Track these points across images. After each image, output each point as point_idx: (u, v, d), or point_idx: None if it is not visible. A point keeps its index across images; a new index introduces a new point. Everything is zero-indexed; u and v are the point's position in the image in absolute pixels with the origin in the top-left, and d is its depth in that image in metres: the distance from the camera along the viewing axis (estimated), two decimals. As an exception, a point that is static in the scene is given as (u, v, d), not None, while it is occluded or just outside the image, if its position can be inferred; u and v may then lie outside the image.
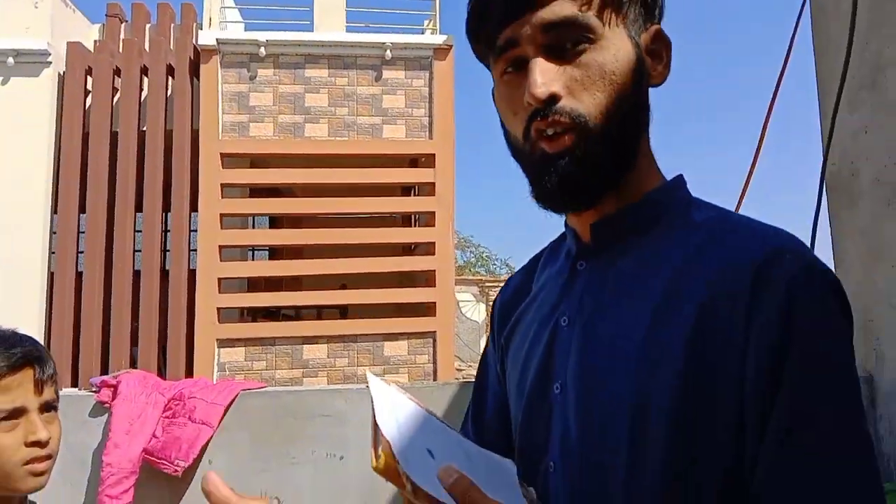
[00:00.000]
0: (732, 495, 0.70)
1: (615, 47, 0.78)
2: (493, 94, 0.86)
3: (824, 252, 3.54)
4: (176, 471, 2.91)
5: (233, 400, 3.05)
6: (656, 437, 0.72)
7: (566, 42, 0.76)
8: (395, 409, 0.72)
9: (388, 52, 9.19)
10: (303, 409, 3.01)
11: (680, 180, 0.87)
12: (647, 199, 0.83)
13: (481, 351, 1.21)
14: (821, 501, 0.66)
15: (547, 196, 0.80)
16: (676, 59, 0.87)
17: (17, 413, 1.19)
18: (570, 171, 0.77)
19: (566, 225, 0.91)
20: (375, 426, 0.67)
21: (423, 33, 10.20)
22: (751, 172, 3.76)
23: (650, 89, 0.83)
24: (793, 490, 0.67)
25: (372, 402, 0.70)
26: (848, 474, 0.67)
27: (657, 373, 0.72)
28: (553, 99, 0.75)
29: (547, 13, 0.76)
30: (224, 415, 2.98)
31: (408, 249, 10.18)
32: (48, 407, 1.24)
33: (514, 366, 0.91)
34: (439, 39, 9.44)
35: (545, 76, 0.75)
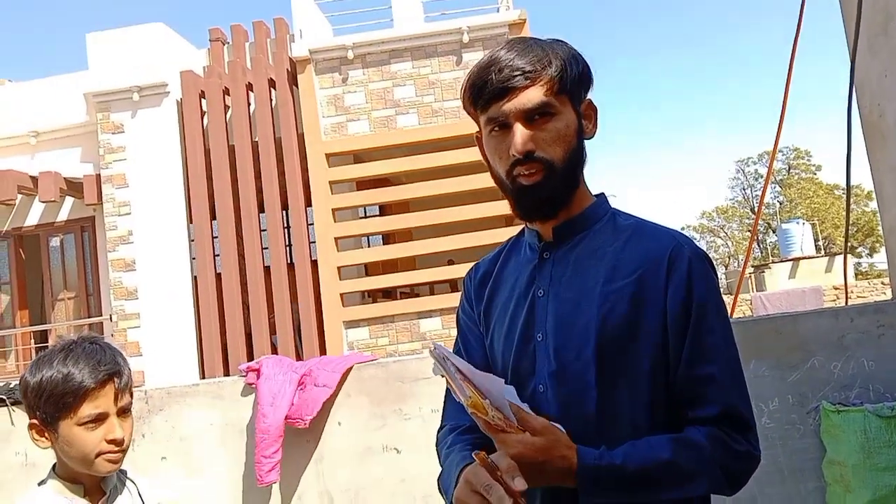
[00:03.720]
0: (657, 381, 1.22)
1: (566, 118, 1.28)
2: (476, 140, 1.37)
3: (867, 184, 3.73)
4: (304, 424, 3.57)
5: (349, 369, 3.69)
6: (612, 352, 1.22)
7: (535, 115, 1.26)
8: (462, 366, 1.15)
9: (465, 35, 9.62)
10: (408, 374, 3.61)
11: (602, 197, 1.39)
12: (586, 211, 1.35)
13: None
14: (718, 366, 1.22)
15: (526, 211, 1.32)
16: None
17: (100, 417, 1.49)
18: (542, 195, 1.28)
19: (527, 228, 1.40)
20: (462, 379, 1.11)
21: (497, 11, 10.54)
22: (784, 106, 4.01)
23: (586, 141, 1.34)
24: (703, 364, 1.22)
25: (447, 363, 1.11)
26: (728, 351, 1.24)
27: (612, 310, 1.23)
28: (530, 152, 1.25)
29: (524, 100, 1.25)
30: (342, 380, 3.61)
31: (509, 221, 10.64)
32: (123, 411, 1.53)
33: (500, 326, 1.37)
34: (513, 15, 9.77)
35: (524, 137, 1.25)
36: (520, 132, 1.24)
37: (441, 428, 1.42)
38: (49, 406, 1.47)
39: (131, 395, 1.56)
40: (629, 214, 1.36)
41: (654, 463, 1.13)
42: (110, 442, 1.49)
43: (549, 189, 1.26)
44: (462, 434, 1.35)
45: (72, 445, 1.48)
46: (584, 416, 1.21)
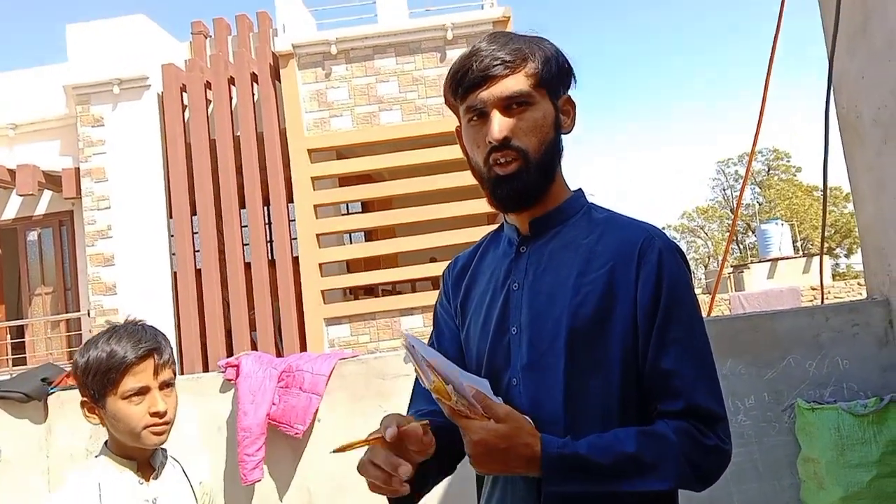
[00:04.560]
0: (629, 374, 1.23)
1: (543, 109, 1.29)
2: (456, 134, 1.37)
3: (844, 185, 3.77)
4: (297, 433, 3.56)
5: (332, 369, 3.69)
6: (583, 344, 1.23)
7: (513, 104, 1.27)
8: (429, 353, 1.17)
9: (450, 32, 9.63)
10: (389, 371, 3.61)
11: (580, 192, 1.40)
12: (563, 205, 1.35)
13: None
14: (684, 359, 1.23)
15: (502, 202, 1.31)
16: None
17: (143, 391, 1.58)
18: (517, 185, 1.28)
19: (506, 222, 1.41)
20: (427, 365, 1.13)
21: (482, 8, 10.54)
22: (762, 109, 4.05)
23: (564, 136, 1.35)
24: (669, 357, 1.22)
25: (415, 351, 1.13)
26: (696, 344, 1.25)
27: (584, 302, 1.24)
28: (507, 140, 1.26)
29: (503, 89, 1.26)
30: (327, 383, 3.61)
31: (493, 218, 10.66)
32: (166, 385, 1.63)
33: (476, 319, 1.38)
34: (497, 12, 9.78)
35: (501, 125, 1.26)
36: (497, 119, 1.25)
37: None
38: (95, 383, 1.58)
39: (174, 372, 1.66)
40: (604, 208, 1.37)
41: (619, 454, 1.14)
42: (153, 415, 1.58)
43: (524, 179, 1.27)
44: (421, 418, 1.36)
45: (118, 420, 1.58)
46: (554, 407, 1.22)
